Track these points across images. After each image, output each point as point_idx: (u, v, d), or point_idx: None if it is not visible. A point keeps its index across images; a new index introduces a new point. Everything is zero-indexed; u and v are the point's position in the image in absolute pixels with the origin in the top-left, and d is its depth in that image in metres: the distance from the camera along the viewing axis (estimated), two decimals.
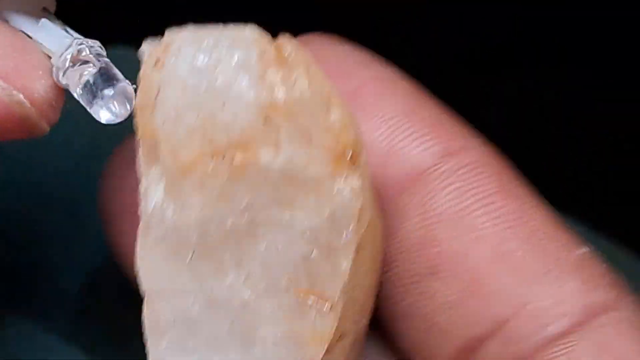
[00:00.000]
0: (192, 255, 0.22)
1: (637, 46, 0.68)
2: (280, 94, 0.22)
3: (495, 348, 0.24)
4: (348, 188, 0.22)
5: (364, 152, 0.23)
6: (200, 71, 0.22)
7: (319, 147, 0.22)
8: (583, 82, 0.69)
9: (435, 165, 0.25)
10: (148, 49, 0.23)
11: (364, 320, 0.24)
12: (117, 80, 0.24)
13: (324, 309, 0.22)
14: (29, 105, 0.23)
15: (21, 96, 0.23)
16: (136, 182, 0.24)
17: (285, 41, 0.22)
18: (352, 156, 0.22)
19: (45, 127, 0.24)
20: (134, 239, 0.23)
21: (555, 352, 0.24)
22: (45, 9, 0.25)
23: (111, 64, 0.24)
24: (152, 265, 0.22)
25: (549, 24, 0.70)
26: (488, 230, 0.24)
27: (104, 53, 0.24)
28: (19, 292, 0.35)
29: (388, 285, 0.25)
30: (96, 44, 0.24)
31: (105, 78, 0.24)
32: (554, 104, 0.70)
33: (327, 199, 0.22)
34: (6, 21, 0.25)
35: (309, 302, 0.22)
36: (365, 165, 0.23)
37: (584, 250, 0.24)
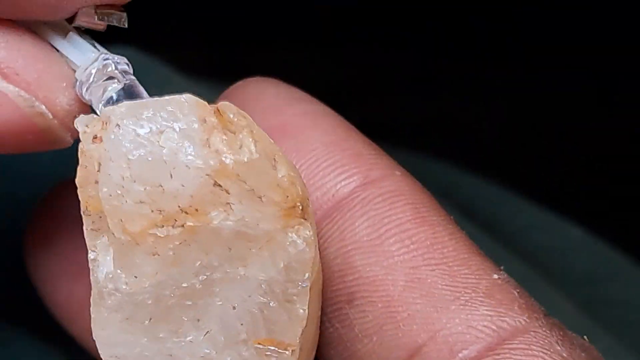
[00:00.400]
0: (149, 320, 0.23)
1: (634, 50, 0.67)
2: (227, 158, 0.23)
3: None
4: (301, 239, 0.23)
5: (310, 202, 0.24)
6: (143, 144, 0.22)
7: (270, 203, 0.23)
8: (584, 85, 0.69)
9: (354, 194, 0.26)
10: (83, 125, 0.23)
11: (314, 351, 0.26)
12: (142, 99, 0.24)
13: (285, 355, 0.23)
14: (50, 117, 0.24)
15: (43, 107, 0.23)
16: (63, 236, 0.25)
17: (225, 106, 0.23)
18: (302, 208, 0.23)
19: (69, 140, 0.25)
20: (68, 293, 0.25)
21: None
22: None
23: (137, 82, 0.24)
24: (109, 334, 0.23)
25: (550, 24, 0.70)
26: (402, 257, 0.25)
27: (131, 70, 0.24)
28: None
29: None
30: (123, 60, 0.24)
31: (129, 95, 0.24)
32: (553, 108, 0.70)
33: (281, 252, 0.23)
34: (34, 32, 0.25)
35: (269, 351, 0.23)
36: (312, 214, 0.24)
37: (496, 276, 0.25)
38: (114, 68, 0.24)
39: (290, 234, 0.23)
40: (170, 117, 0.22)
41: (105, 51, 0.25)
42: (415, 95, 0.70)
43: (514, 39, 0.71)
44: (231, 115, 0.23)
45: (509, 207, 0.51)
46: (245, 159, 0.23)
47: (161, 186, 0.22)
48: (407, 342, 0.25)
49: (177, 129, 0.22)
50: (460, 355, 0.24)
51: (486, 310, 0.25)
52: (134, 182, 0.22)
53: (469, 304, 0.25)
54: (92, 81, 0.24)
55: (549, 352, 0.24)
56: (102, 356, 0.23)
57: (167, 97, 0.23)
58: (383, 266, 0.25)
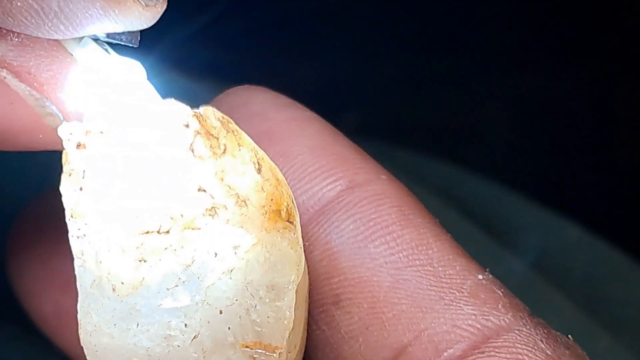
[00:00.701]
0: (137, 325, 0.23)
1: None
2: (210, 163, 0.23)
3: None
4: (285, 242, 0.23)
5: (297, 206, 0.25)
6: (127, 150, 0.23)
7: (254, 207, 0.23)
8: (584, 86, 0.69)
9: (339, 197, 0.27)
10: (66, 132, 0.23)
11: (302, 353, 0.26)
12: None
13: (272, 358, 0.23)
14: (62, 118, 0.24)
15: (54, 108, 0.24)
16: (47, 247, 0.25)
17: (208, 111, 0.23)
18: (286, 211, 0.23)
19: None
20: (55, 305, 0.26)
21: None
22: None
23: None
24: (97, 340, 0.23)
25: (555, 26, 0.70)
26: (387, 258, 0.26)
27: (145, 75, 0.25)
28: None
29: None
30: (137, 64, 0.25)
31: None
32: (553, 108, 0.70)
33: (266, 254, 0.23)
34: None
35: (257, 354, 0.23)
36: (297, 217, 0.24)
37: (480, 276, 0.26)
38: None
39: (275, 237, 0.23)
40: (153, 124, 0.23)
41: (118, 55, 0.25)
42: (416, 95, 0.70)
43: (513, 40, 0.71)
44: (214, 120, 0.23)
45: (509, 207, 0.51)
46: (229, 164, 0.23)
47: (146, 192, 0.23)
48: (392, 342, 0.25)
49: (161, 135, 0.23)
50: (445, 354, 0.25)
51: (471, 309, 0.25)
52: (119, 188, 0.23)
53: (454, 303, 0.25)
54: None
55: (533, 350, 0.25)
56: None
57: (150, 103, 0.23)
58: (368, 267, 0.26)
